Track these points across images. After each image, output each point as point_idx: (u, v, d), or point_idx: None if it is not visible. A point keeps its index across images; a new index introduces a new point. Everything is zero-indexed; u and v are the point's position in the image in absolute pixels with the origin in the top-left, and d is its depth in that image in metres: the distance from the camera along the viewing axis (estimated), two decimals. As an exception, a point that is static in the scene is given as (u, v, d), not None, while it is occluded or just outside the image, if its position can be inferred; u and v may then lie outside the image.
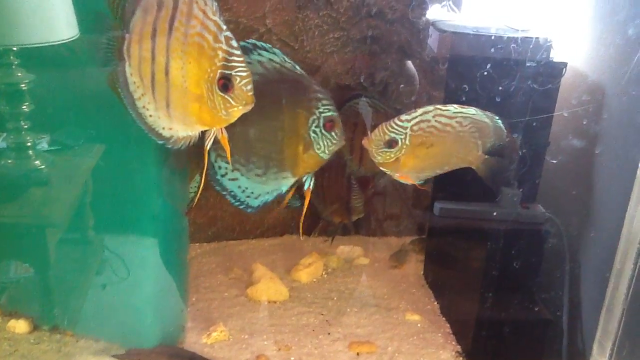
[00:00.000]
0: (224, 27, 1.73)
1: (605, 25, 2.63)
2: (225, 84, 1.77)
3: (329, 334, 2.94)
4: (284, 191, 2.28)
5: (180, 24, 1.75)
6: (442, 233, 3.30)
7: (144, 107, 1.89)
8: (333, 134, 2.16)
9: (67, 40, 2.23)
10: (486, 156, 2.35)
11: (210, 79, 1.78)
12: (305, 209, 2.30)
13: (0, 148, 2.38)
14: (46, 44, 2.17)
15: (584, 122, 2.67)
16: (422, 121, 2.17)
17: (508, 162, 2.49)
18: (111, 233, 2.65)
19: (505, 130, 2.29)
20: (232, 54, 1.76)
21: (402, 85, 3.24)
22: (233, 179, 2.26)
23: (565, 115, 2.62)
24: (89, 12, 2.18)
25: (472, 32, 2.72)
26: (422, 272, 3.51)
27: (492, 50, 2.59)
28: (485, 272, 2.80)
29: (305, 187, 2.27)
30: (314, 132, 2.14)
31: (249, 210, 2.29)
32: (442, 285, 3.31)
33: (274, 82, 2.08)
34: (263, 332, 2.92)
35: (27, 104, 2.31)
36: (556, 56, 2.63)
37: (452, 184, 2.74)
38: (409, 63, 3.25)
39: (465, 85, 2.61)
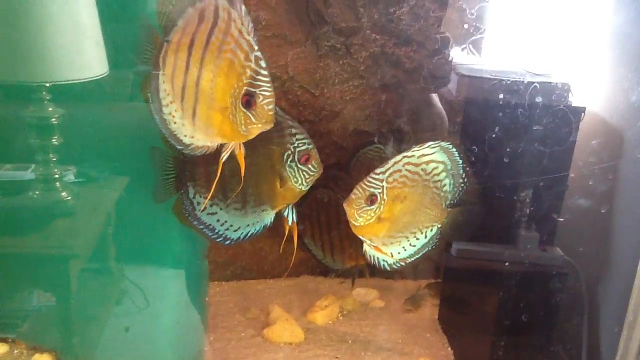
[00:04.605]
0: (256, 48, 1.82)
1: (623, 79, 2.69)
2: (249, 100, 1.85)
3: (342, 377, 2.93)
4: (268, 223, 2.34)
5: (216, 39, 1.84)
6: (457, 276, 3.28)
7: (170, 113, 1.98)
8: (310, 166, 2.23)
9: (98, 78, 2.33)
10: (449, 209, 2.41)
11: (235, 94, 1.85)
12: (295, 246, 2.36)
13: (29, 179, 2.46)
14: (78, 81, 2.27)
15: (602, 171, 2.71)
16: (395, 172, 2.23)
17: (473, 213, 2.52)
18: (133, 271, 2.70)
19: (462, 162, 2.35)
20: (259, 73, 1.84)
21: (430, 124, 3.27)
22: (212, 214, 2.31)
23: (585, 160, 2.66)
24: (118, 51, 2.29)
25: (491, 77, 2.76)
26: (437, 317, 3.49)
27: (511, 94, 2.64)
28: (500, 316, 2.79)
29: (290, 221, 2.33)
30: (290, 166, 2.22)
31: (226, 242, 2.35)
32: (457, 331, 3.28)
33: None
34: (278, 374, 2.92)
35: (56, 137, 2.39)
36: (575, 100, 2.68)
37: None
38: (436, 99, 3.30)
39: (482, 130, 2.68)
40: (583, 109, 2.67)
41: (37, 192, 2.47)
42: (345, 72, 3.21)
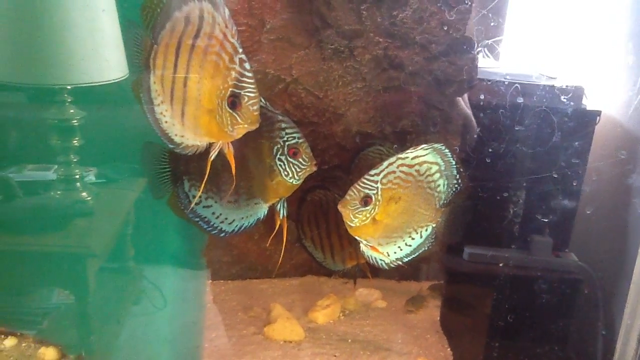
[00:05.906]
0: (240, 50, 1.87)
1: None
2: (234, 101, 1.91)
3: (339, 375, 2.96)
4: (261, 217, 2.37)
5: (202, 42, 1.90)
6: (467, 280, 3.24)
7: (161, 113, 2.04)
8: (300, 159, 2.25)
9: (117, 80, 2.36)
10: (443, 209, 2.45)
11: (221, 95, 1.91)
12: (284, 241, 2.41)
13: (50, 180, 2.49)
14: (98, 84, 2.30)
15: (618, 172, 2.68)
16: (389, 173, 2.28)
17: (466, 210, 2.55)
18: (140, 270, 2.72)
19: (455, 163, 2.39)
20: (243, 75, 1.89)
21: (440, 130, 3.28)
22: (207, 207, 2.35)
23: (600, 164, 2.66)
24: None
25: (504, 80, 2.76)
26: (438, 318, 3.49)
27: (525, 97, 2.64)
28: (501, 320, 2.80)
29: (281, 215, 2.36)
30: (280, 160, 2.24)
31: (221, 234, 2.38)
32: (458, 333, 3.27)
33: None
34: (276, 372, 2.96)
35: (77, 138, 2.42)
36: (589, 104, 2.67)
37: (482, 229, 2.78)
38: (462, 103, 3.27)
39: (495, 134, 2.70)
40: (598, 113, 2.67)
41: (58, 192, 2.50)
42: (349, 75, 3.23)
